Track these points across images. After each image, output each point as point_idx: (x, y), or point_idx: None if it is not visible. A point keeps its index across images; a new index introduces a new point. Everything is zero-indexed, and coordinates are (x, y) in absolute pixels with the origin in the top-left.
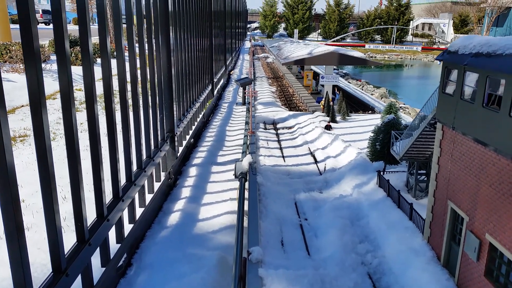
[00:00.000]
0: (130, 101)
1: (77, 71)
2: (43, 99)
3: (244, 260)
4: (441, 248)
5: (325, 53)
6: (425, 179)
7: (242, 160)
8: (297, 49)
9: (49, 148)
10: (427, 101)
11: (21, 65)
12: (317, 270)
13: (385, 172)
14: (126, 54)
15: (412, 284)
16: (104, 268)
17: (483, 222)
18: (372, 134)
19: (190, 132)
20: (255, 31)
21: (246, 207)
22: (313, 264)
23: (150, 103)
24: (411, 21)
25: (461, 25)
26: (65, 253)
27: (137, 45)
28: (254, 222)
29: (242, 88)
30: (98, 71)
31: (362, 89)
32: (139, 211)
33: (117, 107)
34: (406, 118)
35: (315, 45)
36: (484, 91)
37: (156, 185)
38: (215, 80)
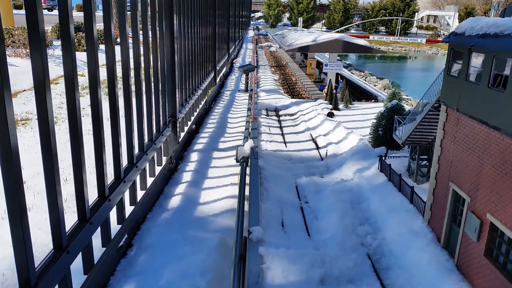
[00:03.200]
0: (133, 87)
1: (80, 57)
2: (48, 82)
3: (245, 239)
4: (441, 230)
5: (330, 40)
6: (427, 164)
7: (243, 145)
8: (301, 36)
9: (53, 130)
10: (429, 88)
11: (23, 49)
12: (317, 250)
13: (387, 157)
14: (130, 41)
15: (411, 265)
16: (104, 248)
17: (484, 203)
18: (374, 121)
19: (192, 118)
20: (259, 21)
21: (247, 191)
22: (314, 244)
23: (152, 88)
24: (416, 13)
25: (466, 18)
26: (66, 231)
27: (141, 32)
28: (255, 203)
29: (245, 74)
30: (101, 58)
31: (365, 80)
32: (140, 194)
33: (120, 92)
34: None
35: (319, 33)
36: (490, 71)
37: (158, 169)
38: (217, 68)
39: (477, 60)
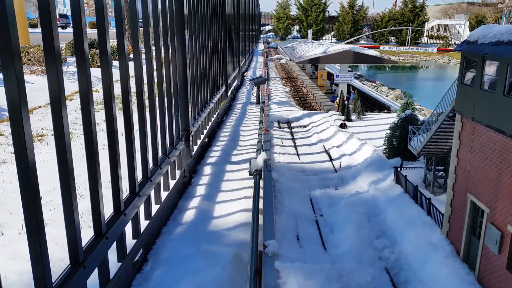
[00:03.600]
0: (146, 102)
1: (93, 73)
2: (63, 98)
3: (260, 253)
4: (461, 242)
5: (340, 51)
6: (443, 175)
7: (256, 158)
8: (311, 48)
9: (69, 146)
10: (443, 97)
11: (38, 67)
12: (334, 265)
13: (402, 168)
14: (143, 56)
15: (431, 279)
16: (120, 263)
17: (504, 214)
18: (388, 131)
19: (205, 131)
20: (268, 34)
21: (261, 204)
22: (330, 258)
23: (165, 102)
24: (426, 23)
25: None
26: (83, 246)
27: (153, 47)
28: (269, 216)
29: (256, 87)
30: (115, 73)
31: (377, 91)
32: (154, 208)
33: (134, 107)
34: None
35: (329, 44)
36: (505, 79)
37: (172, 183)
38: (229, 81)
39: (490, 68)
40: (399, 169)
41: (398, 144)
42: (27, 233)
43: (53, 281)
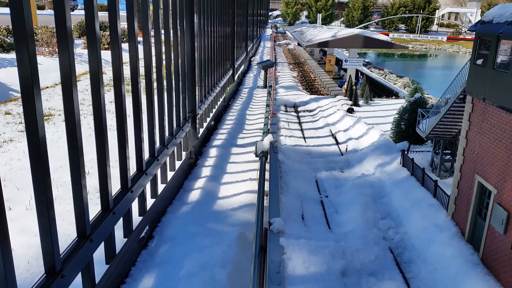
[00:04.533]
0: (154, 84)
1: (102, 55)
2: (74, 77)
3: (265, 231)
4: (466, 224)
5: (350, 35)
6: (450, 158)
7: (263, 140)
8: (320, 32)
9: (79, 124)
10: (453, 81)
11: (46, 48)
12: (338, 243)
13: (410, 152)
14: (153, 40)
15: (434, 259)
16: (126, 239)
17: None
18: (396, 115)
19: (211, 114)
20: (277, 19)
21: (266, 185)
22: (334, 237)
23: (173, 84)
24: (437, 10)
25: None
26: (90, 220)
27: (162, 31)
28: (275, 196)
29: (263, 71)
30: (125, 56)
31: (385, 78)
32: (161, 187)
33: (142, 89)
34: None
35: (338, 28)
36: None
37: (178, 164)
38: (236, 65)
39: (504, 48)
40: (406, 153)
41: (406, 128)
42: (37, 206)
43: (60, 253)
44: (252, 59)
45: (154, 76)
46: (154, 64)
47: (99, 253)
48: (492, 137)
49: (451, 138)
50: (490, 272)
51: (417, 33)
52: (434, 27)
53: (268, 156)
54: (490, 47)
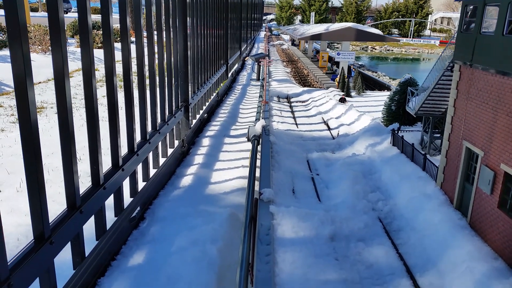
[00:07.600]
0: (147, 73)
1: (95, 54)
2: (67, 70)
3: (256, 201)
4: (454, 191)
5: (342, 28)
6: (440, 136)
7: (255, 125)
8: (313, 27)
9: (70, 111)
10: (434, 65)
11: (38, 46)
12: (328, 212)
13: (400, 131)
14: (145, 40)
15: (423, 226)
16: (116, 218)
17: (498, 154)
18: (387, 100)
19: (204, 107)
20: (271, 23)
21: (258, 163)
22: (324, 207)
23: (166, 74)
24: (430, 15)
25: None
26: (80, 192)
27: (155, 32)
28: (266, 170)
29: (257, 63)
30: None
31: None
32: (152, 172)
33: (135, 82)
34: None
35: (331, 24)
36: (505, 20)
37: (170, 151)
38: (229, 63)
39: (489, 12)
40: (396, 132)
41: (396, 109)
42: (26, 175)
43: (50, 222)
44: (246, 59)
45: (147, 68)
46: (146, 55)
47: (90, 232)
48: (478, 101)
49: (440, 115)
50: (477, 234)
51: (410, 37)
52: (427, 32)
53: (260, 140)
54: (476, 14)
